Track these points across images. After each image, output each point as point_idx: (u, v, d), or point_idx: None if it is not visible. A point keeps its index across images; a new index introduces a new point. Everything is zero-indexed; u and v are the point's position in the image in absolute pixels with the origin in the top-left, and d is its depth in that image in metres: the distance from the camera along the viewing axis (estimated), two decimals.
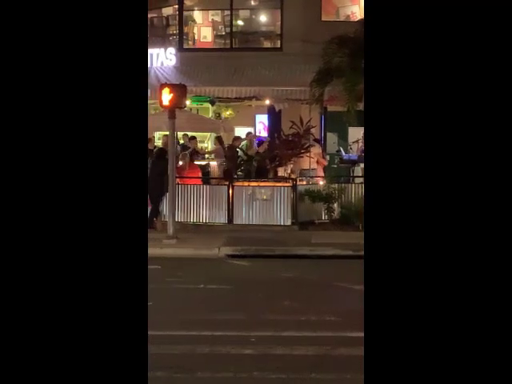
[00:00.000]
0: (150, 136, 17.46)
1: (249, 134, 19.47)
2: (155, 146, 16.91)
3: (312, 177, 16.34)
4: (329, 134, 19.94)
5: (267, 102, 19.74)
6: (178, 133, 17.24)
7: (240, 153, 17.46)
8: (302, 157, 16.39)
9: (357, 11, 19.92)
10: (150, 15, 20.94)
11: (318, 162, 16.91)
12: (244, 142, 18.89)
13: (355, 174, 17.41)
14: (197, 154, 17.56)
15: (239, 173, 16.45)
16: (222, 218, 14.86)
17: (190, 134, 19.29)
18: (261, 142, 18.48)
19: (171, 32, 21.63)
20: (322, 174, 16.94)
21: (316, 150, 17.07)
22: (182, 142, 19.00)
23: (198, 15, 21.91)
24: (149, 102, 17.92)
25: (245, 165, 16.72)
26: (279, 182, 15.79)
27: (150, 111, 19.31)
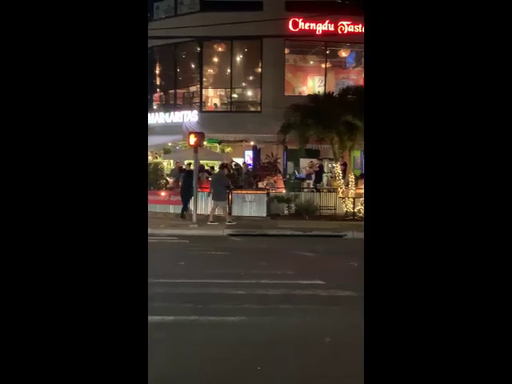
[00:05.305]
0: (179, 163, 20.03)
1: (243, 162, 22.03)
2: (185, 168, 18.73)
3: (278, 188, 19.15)
4: (288, 163, 22.98)
5: (252, 143, 22.94)
6: (200, 161, 18.62)
7: (235, 172, 19.73)
8: (272, 176, 19.77)
9: (305, 89, 23.73)
10: (181, 91, 25.00)
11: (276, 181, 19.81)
12: (233, 165, 20.91)
13: (303, 187, 19.87)
14: (209, 173, 19.63)
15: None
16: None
17: (205, 162, 21.20)
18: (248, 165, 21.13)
19: (195, 101, 24.49)
20: (283, 186, 19.59)
21: (279, 177, 20.05)
22: (206, 167, 20.70)
23: (210, 91, 25.12)
24: (181, 142, 22.14)
25: (239, 180, 19.26)
26: (259, 190, 18.41)
27: (182, 148, 22.93)
